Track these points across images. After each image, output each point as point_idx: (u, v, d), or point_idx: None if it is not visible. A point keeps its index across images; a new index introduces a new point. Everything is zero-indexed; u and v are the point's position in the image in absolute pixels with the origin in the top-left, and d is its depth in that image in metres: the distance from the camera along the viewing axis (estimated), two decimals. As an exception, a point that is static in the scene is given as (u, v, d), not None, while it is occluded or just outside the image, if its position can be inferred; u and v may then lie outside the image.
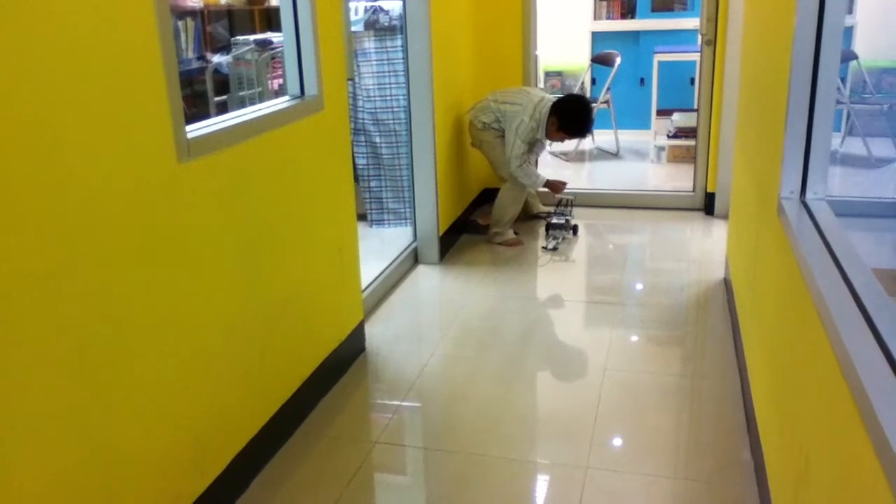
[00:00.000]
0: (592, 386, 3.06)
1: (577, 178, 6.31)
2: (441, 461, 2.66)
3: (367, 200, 4.82)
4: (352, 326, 3.31)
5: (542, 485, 2.53)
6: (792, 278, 1.99)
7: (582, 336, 3.59)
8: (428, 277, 4.33)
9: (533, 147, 4.74)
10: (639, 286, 4.18)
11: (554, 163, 6.65)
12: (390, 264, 4.16)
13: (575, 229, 4.93)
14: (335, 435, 2.80)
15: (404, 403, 3.00)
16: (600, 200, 5.54)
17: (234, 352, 2.43)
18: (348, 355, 3.28)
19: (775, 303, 2.31)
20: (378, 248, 4.34)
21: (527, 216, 5.19)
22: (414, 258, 4.46)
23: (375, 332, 3.56)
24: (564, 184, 4.92)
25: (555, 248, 4.66)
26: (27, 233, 1.64)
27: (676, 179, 5.99)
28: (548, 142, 4.99)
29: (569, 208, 5.02)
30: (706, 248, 4.66)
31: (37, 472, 1.70)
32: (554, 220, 4.90)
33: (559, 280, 4.27)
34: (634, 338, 3.52)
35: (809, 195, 2.21)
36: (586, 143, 7.11)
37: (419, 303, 4.03)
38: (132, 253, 1.95)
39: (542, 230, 5.02)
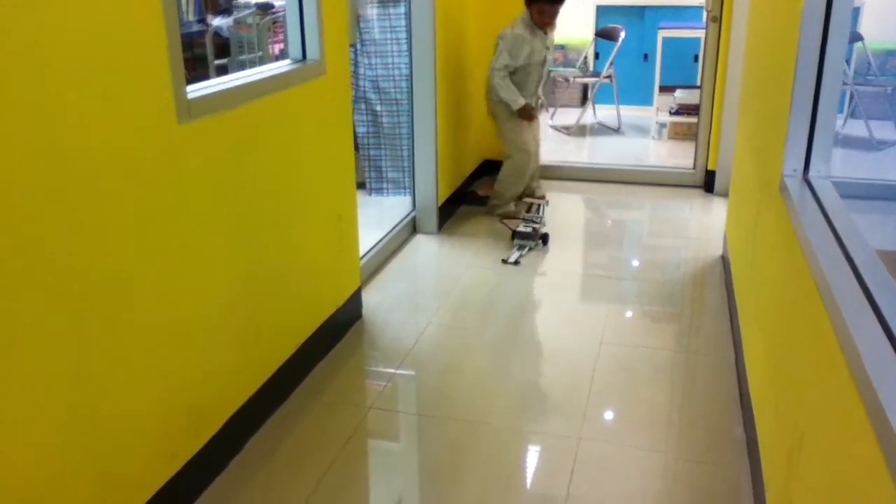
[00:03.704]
0: (587, 359, 3.07)
1: (578, 153, 6.28)
2: (435, 428, 2.67)
3: (367, 169, 4.80)
4: (349, 293, 3.31)
5: (534, 454, 2.54)
6: (793, 255, 1.99)
7: (578, 310, 3.60)
8: (426, 247, 4.33)
9: (530, 68, 4.46)
10: (636, 262, 4.18)
11: (556, 137, 6.62)
12: (388, 233, 4.15)
13: (545, 238, 4.28)
14: (330, 399, 2.81)
15: (399, 371, 3.01)
16: (600, 175, 5.52)
17: (230, 314, 2.43)
18: (345, 322, 3.29)
19: (774, 280, 2.32)
20: (376, 217, 4.32)
21: (523, 195, 4.87)
22: (412, 227, 4.45)
23: (372, 300, 3.56)
24: (534, 116, 4.61)
25: (516, 263, 4.01)
26: (23, 194, 1.62)
27: (677, 156, 5.97)
28: (550, 57, 4.60)
29: (539, 214, 4.39)
30: (705, 225, 4.66)
31: (31, 431, 1.70)
32: (521, 228, 4.23)
33: (557, 254, 4.26)
34: (630, 313, 3.53)
35: (812, 173, 2.20)
36: (587, 118, 7.07)
37: (416, 272, 4.03)
38: (130, 213, 1.93)
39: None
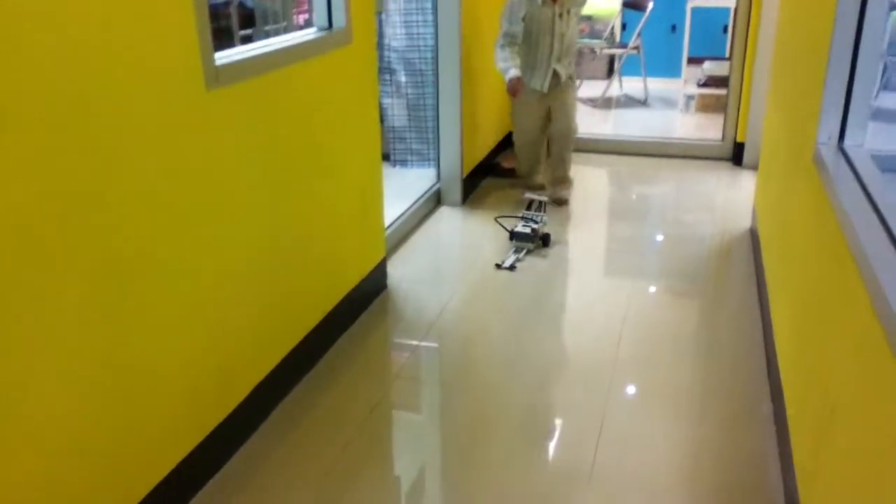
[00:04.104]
0: (612, 333, 3.05)
1: (603, 125, 6.22)
2: (459, 399, 2.68)
3: (391, 140, 4.78)
4: (374, 263, 3.31)
5: (559, 425, 2.54)
6: (826, 225, 1.95)
7: (603, 283, 3.58)
8: (450, 219, 4.31)
9: (537, 38, 4.16)
10: (663, 235, 4.14)
11: (581, 109, 6.54)
12: (413, 205, 4.14)
13: (546, 239, 3.86)
14: (356, 369, 2.83)
15: (423, 343, 3.01)
16: (626, 148, 5.46)
17: (258, 281, 2.44)
18: (370, 292, 3.29)
19: (806, 251, 2.28)
20: (401, 189, 4.31)
21: (553, 179, 4.56)
22: (436, 199, 4.43)
23: (397, 271, 3.56)
24: (517, 92, 4.17)
25: (511, 268, 3.61)
26: (55, 155, 1.63)
27: (705, 129, 5.88)
28: (570, 29, 4.21)
29: (541, 213, 3.98)
30: (733, 198, 4.60)
31: (64, 392, 1.72)
32: (518, 228, 3.82)
33: (581, 227, 4.23)
34: (656, 286, 3.50)
35: (848, 142, 2.15)
36: (614, 90, 6.99)
37: (441, 244, 4.02)
38: (159, 179, 1.94)
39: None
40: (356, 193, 3.11)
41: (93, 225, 1.74)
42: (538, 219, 3.91)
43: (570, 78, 4.36)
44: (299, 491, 2.22)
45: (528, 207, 4.02)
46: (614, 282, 3.56)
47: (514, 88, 4.16)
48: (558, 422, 2.55)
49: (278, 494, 2.21)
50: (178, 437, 2.13)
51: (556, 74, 4.25)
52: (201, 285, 2.15)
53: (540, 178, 4.63)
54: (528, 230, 3.79)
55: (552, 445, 2.44)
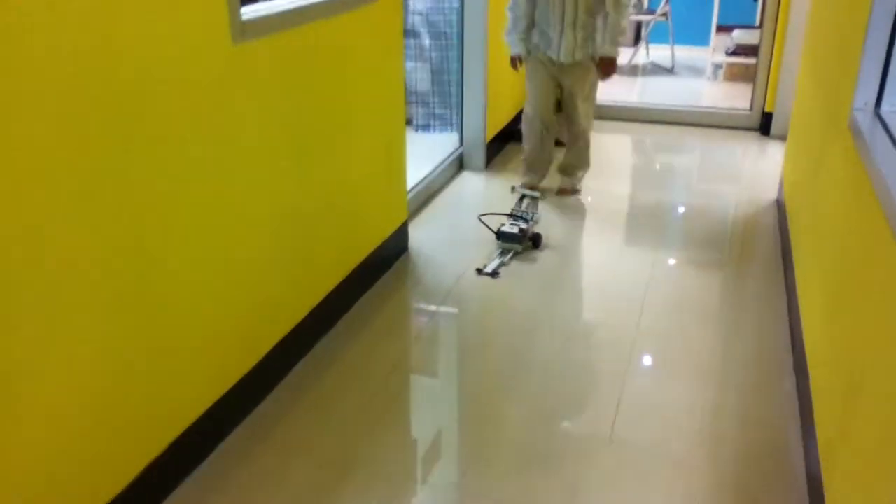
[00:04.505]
0: (633, 301, 3.03)
1: (629, 93, 6.13)
2: (478, 363, 2.68)
3: (414, 105, 4.75)
4: (396, 225, 3.30)
5: (579, 390, 2.53)
6: (862, 192, 1.91)
7: (626, 252, 3.55)
8: (472, 184, 4.29)
9: (547, 2, 3.66)
10: (686, 205, 4.10)
11: (605, 76, 6.46)
12: (435, 169, 4.12)
13: (536, 241, 3.45)
14: (375, 330, 2.83)
15: (442, 308, 3.00)
16: (651, 116, 5.39)
17: (281, 240, 2.44)
18: (391, 254, 3.29)
19: (839, 219, 2.24)
20: (423, 153, 4.29)
21: (565, 168, 4.15)
22: (459, 164, 4.41)
23: (418, 235, 3.55)
24: (516, 67, 3.89)
25: (494, 273, 3.21)
26: (79, 112, 1.62)
27: (732, 98, 5.79)
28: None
29: (531, 211, 3.60)
30: (759, 168, 4.54)
31: (89, 345, 1.73)
32: (505, 228, 3.41)
33: (604, 195, 4.19)
34: (679, 256, 3.47)
35: (885, 107, 2.10)
36: (640, 58, 6.89)
37: (462, 208, 4.00)
38: (184, 132, 1.93)
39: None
40: (380, 154, 3.09)
41: (117, 181, 1.74)
42: (529, 216, 3.53)
43: (591, 59, 3.77)
44: (320, 444, 2.24)
45: (520, 203, 3.64)
46: (636, 251, 3.53)
47: (513, 64, 3.92)
48: (578, 387, 2.54)
49: (299, 446, 2.23)
50: (203, 390, 2.15)
51: (563, 41, 3.68)
52: (226, 241, 2.15)
53: (543, 179, 4.10)
54: (515, 230, 3.38)
55: (571, 410, 2.44)
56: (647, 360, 2.66)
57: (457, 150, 4.38)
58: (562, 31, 3.68)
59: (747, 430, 2.28)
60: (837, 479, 1.76)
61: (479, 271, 3.22)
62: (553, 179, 4.13)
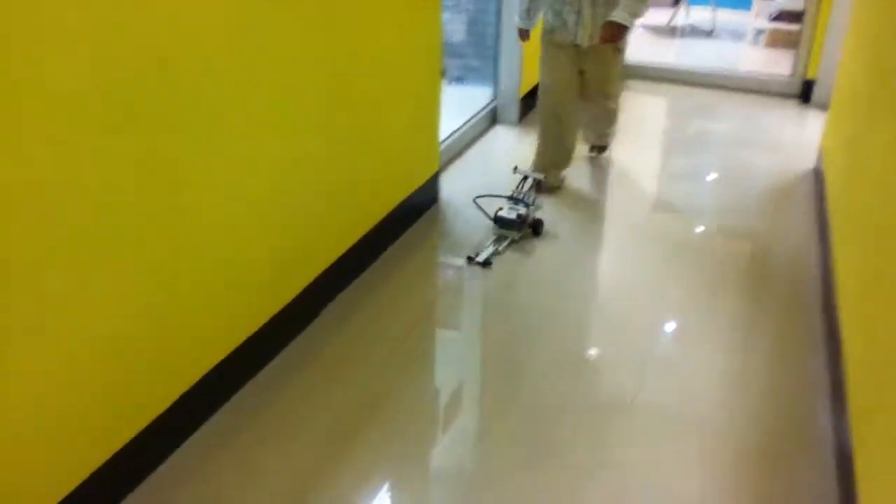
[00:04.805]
0: (661, 266, 3.00)
1: (666, 54, 6.01)
2: (502, 318, 2.67)
3: (448, 56, 4.68)
4: (427, 176, 3.28)
5: (605, 349, 2.53)
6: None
7: (652, 218, 3.50)
8: (505, 138, 4.24)
9: None
10: (719, 172, 4.03)
11: (644, 37, 6.33)
12: (468, 121, 4.07)
13: (537, 227, 3.17)
14: (401, 281, 2.83)
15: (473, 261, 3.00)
16: (688, 79, 5.29)
17: (314, 183, 2.43)
18: (421, 205, 3.27)
19: (886, 188, 2.19)
20: (456, 105, 4.24)
21: (597, 144, 3.93)
22: (492, 118, 4.36)
23: (448, 187, 3.52)
24: (523, 39, 3.59)
25: (486, 263, 2.91)
26: (118, 35, 1.61)
27: (773, 64, 5.66)
28: None
29: (532, 194, 3.26)
30: (797, 136, 4.45)
31: (130, 269, 1.74)
32: (502, 213, 3.13)
33: (635, 155, 4.13)
34: (709, 222, 3.42)
35: (942, 74, 2.03)
36: (679, 19, 6.73)
37: (494, 162, 3.96)
38: (220, 69, 1.91)
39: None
40: (415, 103, 3.06)
41: (152, 117, 1.72)
42: (530, 201, 3.22)
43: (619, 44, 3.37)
44: (344, 387, 2.25)
45: (522, 182, 3.30)
46: (664, 217, 3.49)
47: (521, 36, 3.57)
48: (603, 348, 2.54)
49: (324, 387, 2.25)
50: (233, 325, 2.16)
51: (592, 26, 3.25)
52: (258, 183, 2.15)
53: (560, 177, 3.64)
54: (513, 216, 3.09)
55: (596, 369, 2.43)
56: (673, 325, 2.64)
57: (490, 103, 4.33)
58: (579, 10, 3.22)
59: (774, 399, 2.27)
60: (869, 449, 1.74)
61: (470, 260, 2.93)
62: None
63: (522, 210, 3.12)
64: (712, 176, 3.94)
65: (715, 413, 2.20)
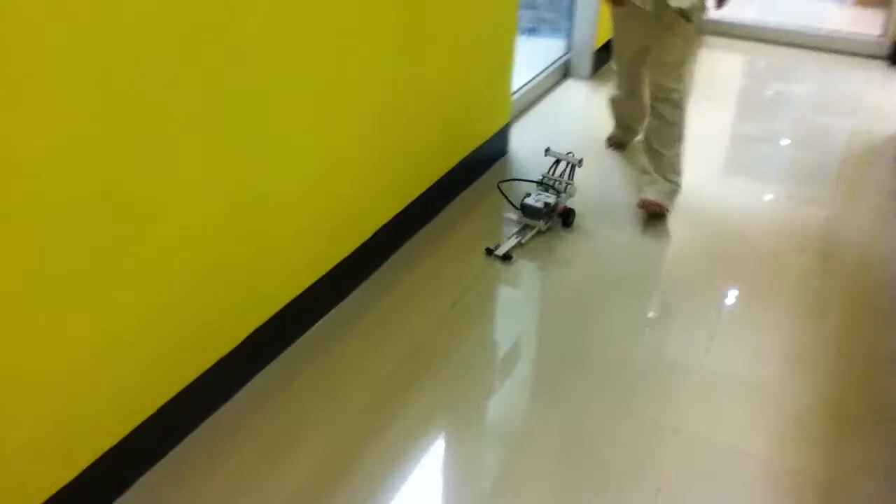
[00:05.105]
0: (730, 227, 2.95)
1: (746, 9, 5.79)
2: (565, 274, 2.68)
3: (521, 7, 4.59)
4: (497, 127, 3.26)
5: (673, 309, 2.51)
6: None
7: (721, 182, 3.42)
8: (576, 92, 4.18)
9: None
10: (796, 136, 3.91)
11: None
12: (540, 73, 4.03)
13: (567, 217, 2.89)
14: (465, 233, 2.83)
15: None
16: (768, 36, 5.10)
17: (382, 131, 2.44)
18: (491, 156, 3.27)
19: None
20: (528, 58, 4.18)
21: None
22: (564, 71, 4.29)
23: (517, 140, 3.50)
24: (619, 2, 2.90)
25: (506, 257, 2.67)
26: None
27: (861, 24, 5.41)
28: None
29: (563, 181, 2.95)
30: (883, 101, 4.27)
31: (203, 209, 1.80)
32: (529, 200, 2.83)
33: (707, 115, 4.03)
34: (782, 186, 3.34)
35: None
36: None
37: (564, 116, 3.92)
38: (290, 17, 1.93)
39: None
40: (488, 53, 3.03)
41: (224, 59, 1.75)
42: (562, 187, 2.93)
43: (686, 15, 2.74)
44: (403, 336, 2.30)
45: (553, 170, 2.98)
46: (733, 182, 3.41)
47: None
48: (671, 308, 2.52)
49: (378, 341, 2.30)
50: (294, 274, 2.21)
51: None
52: (328, 128, 2.17)
53: (634, 136, 3.49)
54: (540, 204, 2.80)
55: (663, 330, 2.42)
56: (742, 288, 2.60)
57: (563, 56, 4.26)
58: None
59: (845, 369, 2.23)
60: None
61: (490, 252, 2.69)
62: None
63: (551, 198, 2.84)
64: (787, 140, 3.83)
65: (782, 379, 2.18)
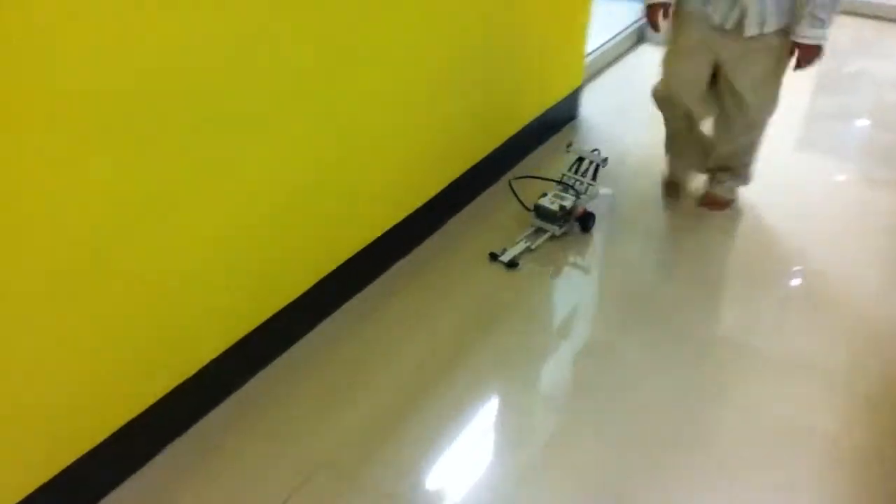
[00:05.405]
0: (802, 208, 2.88)
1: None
2: (630, 241, 2.67)
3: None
4: (569, 90, 3.24)
5: (740, 283, 2.49)
6: None
7: (793, 158, 3.32)
8: (650, 57, 4.07)
9: None
10: (873, 116, 3.78)
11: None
12: (613, 37, 3.96)
13: (585, 222, 2.63)
14: (529, 195, 2.82)
15: (602, 190, 2.93)
16: (852, 8, 4.89)
17: (458, 85, 2.45)
18: (560, 118, 3.25)
19: None
20: (604, 19, 4.09)
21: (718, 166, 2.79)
22: (638, 36, 4.21)
23: (588, 104, 3.47)
24: (654, 22, 2.53)
25: (512, 264, 2.44)
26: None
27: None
28: None
29: (584, 181, 2.69)
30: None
31: (294, 143, 1.84)
32: (544, 202, 2.59)
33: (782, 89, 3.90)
34: (856, 167, 3.24)
35: None
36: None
37: (637, 82, 3.84)
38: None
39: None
40: (563, 13, 2.99)
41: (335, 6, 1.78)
42: (583, 188, 2.67)
43: (781, 34, 2.34)
44: (466, 293, 2.34)
45: (575, 170, 2.71)
46: (808, 159, 3.32)
47: (651, 18, 2.53)
48: (739, 286, 2.50)
49: (448, 291, 2.34)
50: (387, 208, 2.28)
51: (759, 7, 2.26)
52: (404, 80, 2.19)
53: (692, 172, 2.91)
54: (555, 207, 2.56)
55: (727, 310, 2.41)
56: (809, 271, 2.56)
57: (637, 20, 4.17)
58: None
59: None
60: None
61: (494, 257, 2.47)
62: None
63: (568, 201, 2.58)
64: (866, 120, 3.71)
65: (853, 362, 2.15)
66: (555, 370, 2.11)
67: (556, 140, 3.19)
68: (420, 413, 1.91)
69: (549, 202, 2.58)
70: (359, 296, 2.28)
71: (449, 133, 2.47)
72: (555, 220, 2.58)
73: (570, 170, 2.72)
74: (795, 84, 3.96)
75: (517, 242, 2.53)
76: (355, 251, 2.21)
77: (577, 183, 2.67)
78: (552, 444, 1.86)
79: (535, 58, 2.88)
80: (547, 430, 1.91)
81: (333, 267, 2.14)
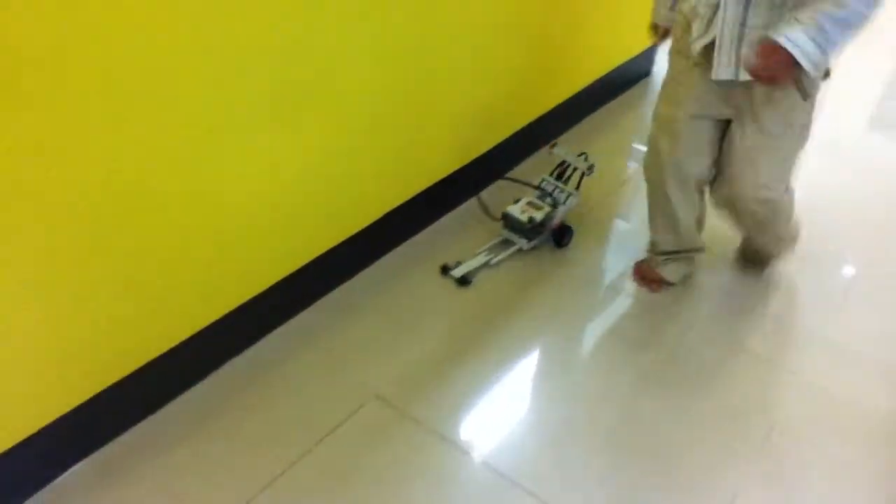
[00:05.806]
0: (869, 187, 2.78)
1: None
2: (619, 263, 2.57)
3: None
4: (643, 47, 3.15)
5: (798, 266, 2.41)
6: None
7: (865, 136, 3.19)
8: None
9: None
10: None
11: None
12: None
13: (560, 236, 2.29)
14: (603, 147, 2.78)
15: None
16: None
17: (529, 39, 2.41)
18: (633, 76, 3.18)
19: None
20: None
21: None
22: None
23: (661, 62, 3.36)
24: (656, 38, 2.14)
25: (463, 281, 2.12)
26: None
27: None
28: None
29: (566, 189, 2.32)
30: None
31: (361, 87, 1.84)
32: (514, 210, 2.25)
33: (859, 59, 3.73)
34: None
35: None
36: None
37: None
38: None
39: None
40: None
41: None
42: (561, 199, 2.29)
43: (803, 90, 1.76)
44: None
45: (557, 175, 2.35)
46: (881, 138, 3.18)
47: (653, 32, 2.13)
48: (794, 276, 2.41)
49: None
50: (444, 158, 2.27)
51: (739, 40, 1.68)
52: (474, 33, 2.15)
53: (681, 272, 2.24)
54: (524, 217, 2.21)
55: (784, 294, 2.33)
56: (867, 258, 2.47)
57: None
58: (731, 35, 1.66)
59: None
60: None
61: (445, 270, 2.16)
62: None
63: (541, 212, 2.23)
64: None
65: (871, 382, 2.04)
66: (616, 323, 2.09)
67: (627, 97, 3.13)
68: (470, 362, 1.92)
69: (520, 211, 2.23)
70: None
71: (512, 86, 2.44)
72: (524, 233, 2.23)
73: (551, 174, 2.35)
74: (875, 53, 3.80)
75: (476, 254, 2.20)
76: (423, 188, 2.22)
77: (557, 190, 2.30)
78: (607, 393, 1.85)
79: (610, 13, 2.79)
80: (599, 382, 1.90)
81: (400, 202, 2.15)
